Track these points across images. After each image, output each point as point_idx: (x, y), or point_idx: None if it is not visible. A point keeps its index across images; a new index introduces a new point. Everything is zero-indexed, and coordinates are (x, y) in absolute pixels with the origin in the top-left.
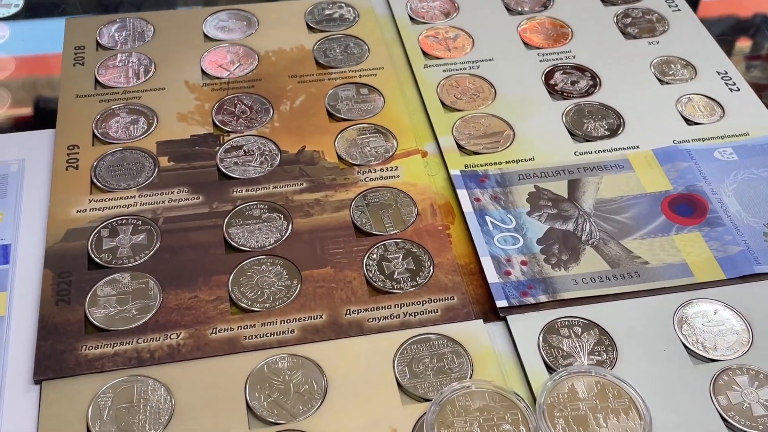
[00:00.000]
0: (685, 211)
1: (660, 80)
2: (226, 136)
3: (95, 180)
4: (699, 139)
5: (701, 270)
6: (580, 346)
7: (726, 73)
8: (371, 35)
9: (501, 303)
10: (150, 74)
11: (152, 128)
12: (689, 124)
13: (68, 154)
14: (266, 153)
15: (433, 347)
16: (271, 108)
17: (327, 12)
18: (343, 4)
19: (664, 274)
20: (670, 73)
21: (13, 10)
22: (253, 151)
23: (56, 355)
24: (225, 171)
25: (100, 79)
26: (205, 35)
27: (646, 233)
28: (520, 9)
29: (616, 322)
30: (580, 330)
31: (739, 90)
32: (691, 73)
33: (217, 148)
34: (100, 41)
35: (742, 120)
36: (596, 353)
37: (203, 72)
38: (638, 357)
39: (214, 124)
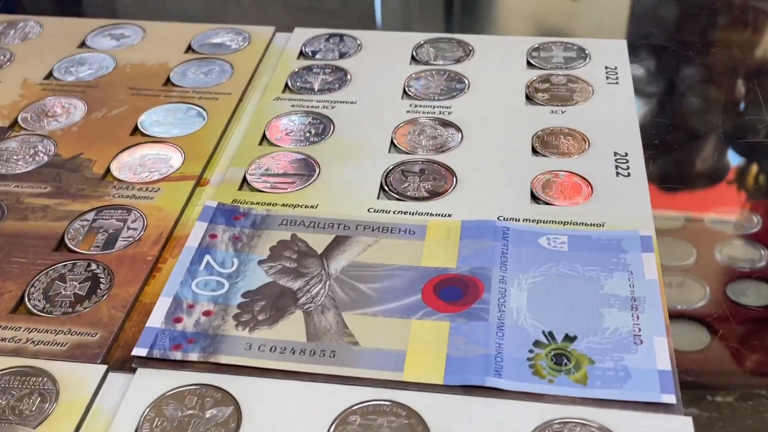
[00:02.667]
0: (452, 294)
1: (536, 151)
2: (15, 132)
3: None
4: (534, 221)
5: (417, 367)
6: (197, 422)
7: (625, 155)
8: (245, 63)
9: (140, 351)
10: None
11: None
12: (537, 202)
13: None
14: (41, 153)
15: (26, 383)
16: (85, 113)
17: (216, 39)
18: (241, 32)
19: (367, 361)
20: (553, 144)
21: None
22: (28, 149)
23: None
24: None
25: None
26: (83, 43)
27: (383, 310)
28: (426, 59)
29: (262, 405)
30: (211, 403)
31: (629, 176)
32: (580, 149)
33: None
34: None
35: (606, 209)
36: None
37: (51, 75)
38: None
39: (15, 119)
